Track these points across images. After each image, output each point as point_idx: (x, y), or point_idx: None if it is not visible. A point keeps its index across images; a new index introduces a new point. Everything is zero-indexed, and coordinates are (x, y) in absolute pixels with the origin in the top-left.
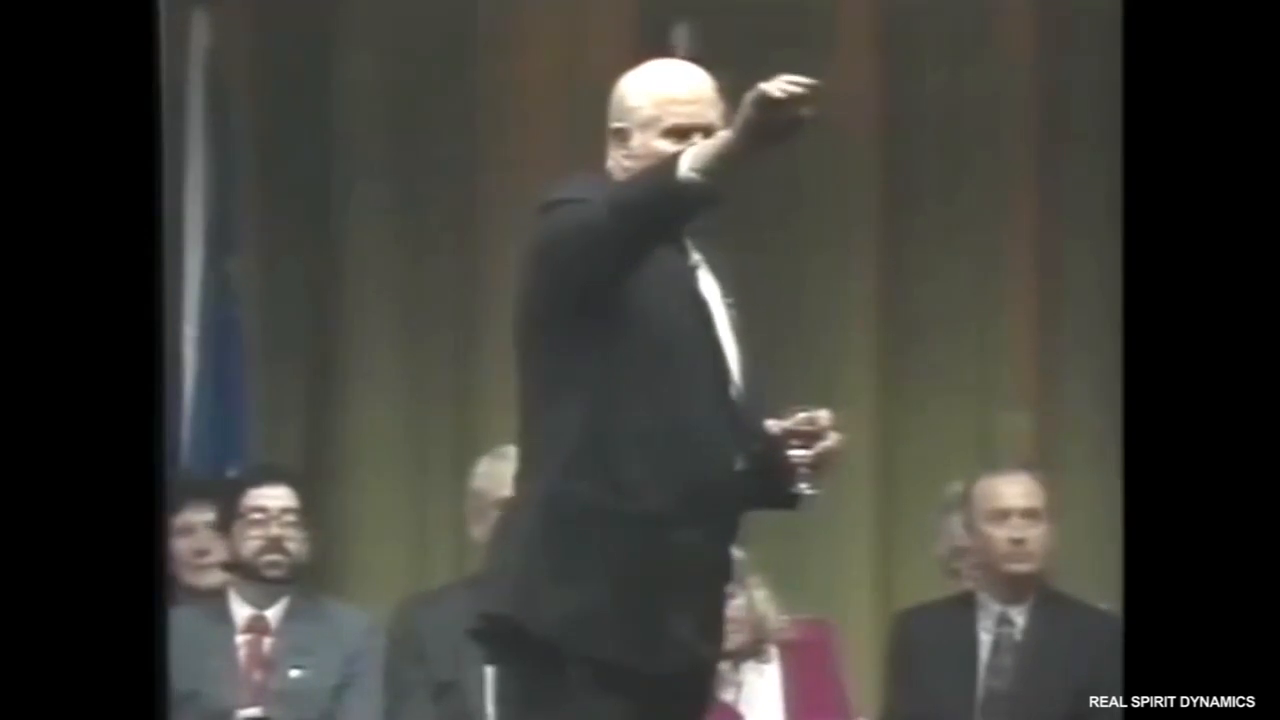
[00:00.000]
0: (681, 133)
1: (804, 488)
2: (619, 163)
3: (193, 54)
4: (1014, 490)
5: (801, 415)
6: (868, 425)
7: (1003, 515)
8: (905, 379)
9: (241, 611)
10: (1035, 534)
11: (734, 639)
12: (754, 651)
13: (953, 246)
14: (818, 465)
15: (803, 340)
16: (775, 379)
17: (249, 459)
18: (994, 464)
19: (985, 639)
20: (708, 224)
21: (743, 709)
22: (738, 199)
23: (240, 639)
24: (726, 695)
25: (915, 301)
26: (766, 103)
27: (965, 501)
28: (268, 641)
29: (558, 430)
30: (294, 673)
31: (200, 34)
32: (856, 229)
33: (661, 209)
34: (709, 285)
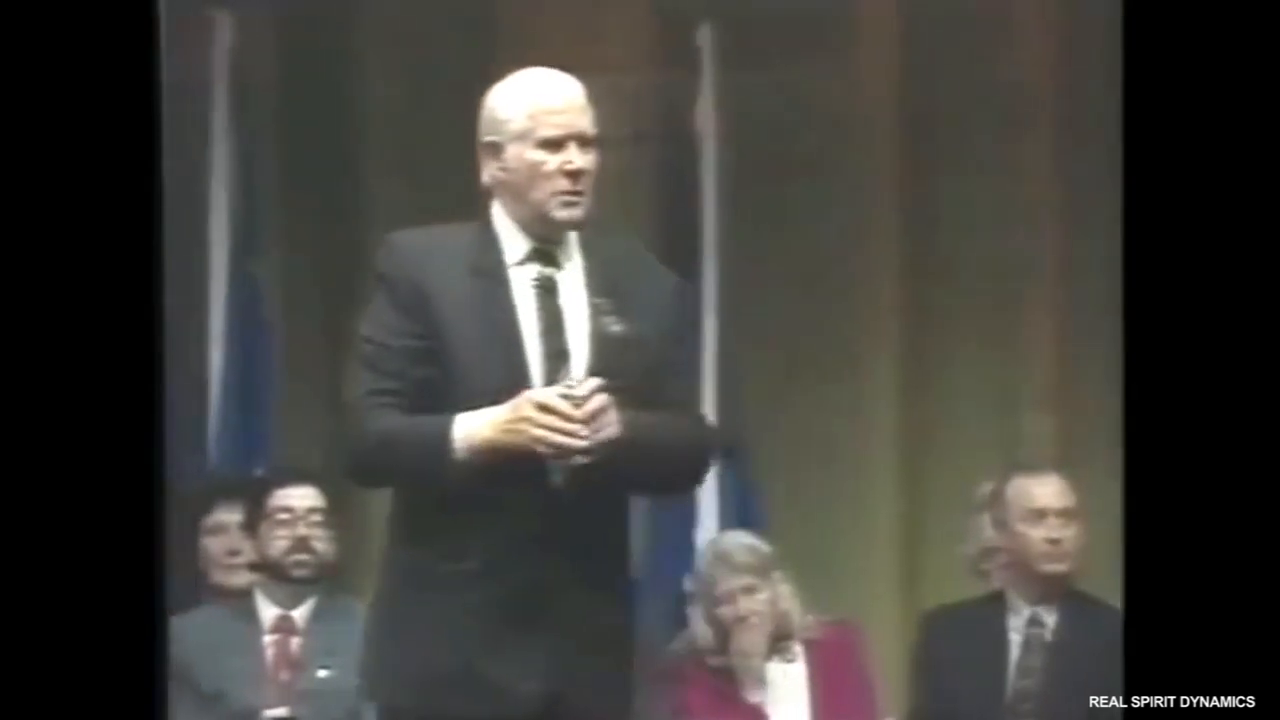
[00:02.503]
0: (555, 143)
1: (581, 460)
2: (494, 176)
3: (216, 54)
4: (1049, 491)
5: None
6: (893, 426)
7: (1039, 515)
8: (930, 380)
9: (268, 611)
10: (1070, 534)
11: (759, 632)
12: (779, 648)
13: (975, 245)
14: (591, 422)
15: (826, 341)
16: (798, 379)
17: (275, 459)
18: (1020, 465)
19: (1015, 639)
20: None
21: (769, 709)
22: (756, 200)
23: (267, 639)
24: (754, 696)
25: (938, 301)
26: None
27: (997, 501)
28: (295, 641)
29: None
30: (321, 673)
31: (223, 34)
32: (879, 227)
33: (422, 477)
34: (573, 292)
